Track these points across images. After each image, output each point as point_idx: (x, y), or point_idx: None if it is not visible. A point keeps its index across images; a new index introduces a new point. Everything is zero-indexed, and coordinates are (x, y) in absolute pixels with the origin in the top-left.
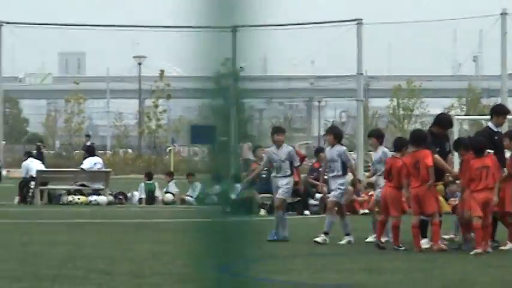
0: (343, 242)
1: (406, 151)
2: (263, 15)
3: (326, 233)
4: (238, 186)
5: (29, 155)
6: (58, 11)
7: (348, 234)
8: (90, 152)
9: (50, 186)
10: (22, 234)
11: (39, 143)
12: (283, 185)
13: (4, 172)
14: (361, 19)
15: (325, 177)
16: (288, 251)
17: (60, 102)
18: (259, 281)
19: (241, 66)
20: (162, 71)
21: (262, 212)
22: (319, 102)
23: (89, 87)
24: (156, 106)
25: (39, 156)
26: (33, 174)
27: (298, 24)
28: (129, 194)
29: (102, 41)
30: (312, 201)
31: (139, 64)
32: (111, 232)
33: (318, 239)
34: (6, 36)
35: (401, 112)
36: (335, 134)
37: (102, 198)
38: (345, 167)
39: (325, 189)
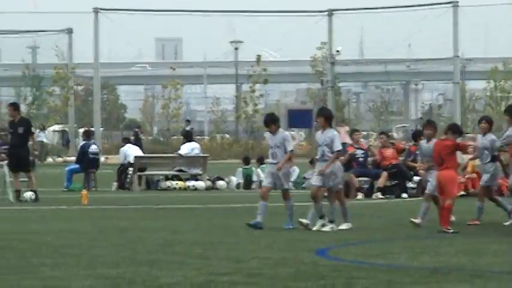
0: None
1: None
2: None
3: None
4: None
5: (127, 141)
6: None
7: (331, 221)
8: (188, 137)
9: (148, 172)
10: (120, 220)
11: (136, 129)
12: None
13: (102, 158)
14: (457, 1)
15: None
16: (386, 234)
17: (157, 88)
18: (357, 264)
19: (338, 50)
20: (259, 56)
21: (360, 195)
22: (416, 85)
23: (186, 72)
24: (253, 91)
25: (137, 142)
26: (131, 160)
27: (393, 7)
28: (226, 179)
29: (198, 27)
30: (410, 184)
31: (236, 49)
32: (209, 217)
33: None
34: (103, 22)
35: (499, 94)
36: (326, 116)
37: (200, 184)
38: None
39: (422, 171)
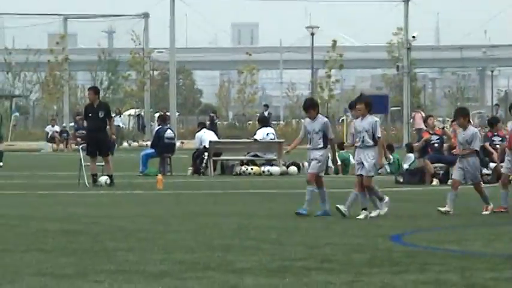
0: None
1: None
2: None
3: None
4: (411, 156)
5: (202, 126)
6: None
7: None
8: (264, 122)
9: (223, 157)
10: (195, 205)
11: (212, 114)
12: (316, 158)
13: (178, 143)
14: None
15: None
16: (460, 221)
17: (233, 73)
18: (431, 251)
19: (414, 35)
20: (335, 41)
21: (435, 181)
22: (492, 71)
23: (262, 58)
24: (329, 76)
25: (213, 127)
26: (207, 145)
27: None
28: (301, 164)
29: (275, 12)
30: (485, 171)
31: (312, 34)
32: (283, 202)
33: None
34: (179, 7)
35: None
36: (366, 103)
37: (275, 169)
38: (374, 139)
39: (494, 157)
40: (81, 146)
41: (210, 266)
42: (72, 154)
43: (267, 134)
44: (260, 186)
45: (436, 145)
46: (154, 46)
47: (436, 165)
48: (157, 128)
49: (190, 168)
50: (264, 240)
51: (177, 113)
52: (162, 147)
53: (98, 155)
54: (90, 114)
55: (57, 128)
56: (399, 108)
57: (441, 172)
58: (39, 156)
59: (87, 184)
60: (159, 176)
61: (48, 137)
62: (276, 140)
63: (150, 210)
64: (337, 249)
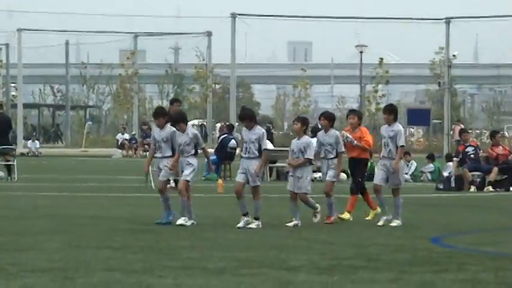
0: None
1: None
2: (475, 9)
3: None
4: (450, 164)
5: None
6: (286, 3)
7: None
8: (315, 132)
9: (278, 164)
10: (252, 207)
11: (269, 125)
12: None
13: (237, 151)
14: None
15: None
16: (496, 225)
17: (288, 87)
18: (468, 252)
19: (454, 54)
20: (381, 59)
21: (472, 188)
22: None
23: (315, 73)
24: (376, 91)
25: (269, 137)
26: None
27: (506, 16)
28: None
29: (327, 31)
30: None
31: (361, 52)
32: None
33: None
34: (239, 26)
35: None
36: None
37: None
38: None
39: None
40: (147, 153)
41: (265, 263)
42: (140, 159)
43: None
44: (312, 191)
45: (472, 155)
46: (216, 62)
47: (474, 173)
48: (223, 136)
49: None
50: (315, 240)
51: (237, 123)
52: (225, 155)
53: None
54: None
55: (126, 136)
56: (440, 121)
57: (478, 180)
58: (110, 162)
59: (153, 187)
60: (220, 181)
61: (119, 144)
62: None
63: (212, 212)
64: (381, 249)
